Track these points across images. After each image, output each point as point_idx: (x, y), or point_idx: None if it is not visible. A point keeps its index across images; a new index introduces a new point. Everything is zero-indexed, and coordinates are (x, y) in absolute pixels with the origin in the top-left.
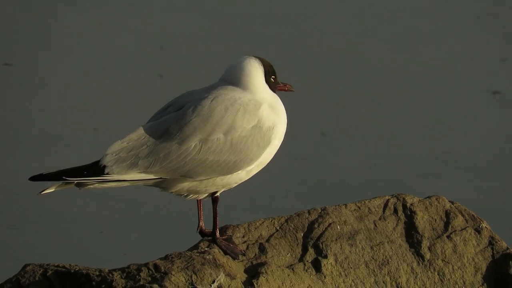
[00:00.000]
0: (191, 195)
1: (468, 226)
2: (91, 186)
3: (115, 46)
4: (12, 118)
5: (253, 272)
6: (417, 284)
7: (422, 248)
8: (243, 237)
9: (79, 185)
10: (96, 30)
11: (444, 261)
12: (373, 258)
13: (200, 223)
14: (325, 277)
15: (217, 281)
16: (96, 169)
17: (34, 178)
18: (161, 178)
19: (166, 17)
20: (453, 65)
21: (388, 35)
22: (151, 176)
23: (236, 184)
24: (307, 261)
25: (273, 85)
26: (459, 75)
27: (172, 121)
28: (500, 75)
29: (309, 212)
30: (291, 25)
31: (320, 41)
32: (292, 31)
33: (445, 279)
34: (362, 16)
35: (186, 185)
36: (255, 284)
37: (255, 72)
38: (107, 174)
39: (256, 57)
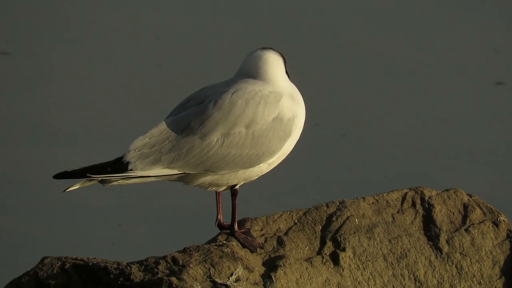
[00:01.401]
0: (211, 187)
1: (486, 219)
2: (115, 183)
3: (112, 36)
4: (12, 110)
5: (271, 265)
6: (435, 277)
7: (440, 241)
8: (261, 230)
9: (103, 181)
10: (92, 20)
11: (462, 254)
12: (391, 251)
13: (219, 216)
14: (343, 270)
15: (235, 274)
16: (120, 165)
17: (58, 176)
18: (184, 173)
19: (163, 7)
20: (465, 58)
21: (400, 30)
22: (174, 171)
23: (257, 177)
24: (325, 254)
25: (289, 76)
26: (473, 67)
27: (193, 115)
28: (502, 66)
29: (327, 205)
30: (294, 20)
31: (331, 36)
32: (297, 26)
33: (463, 272)
34: (369, 12)
35: (208, 178)
36: (273, 277)
37: (277, 63)
38: (131, 170)
39: (272, 48)
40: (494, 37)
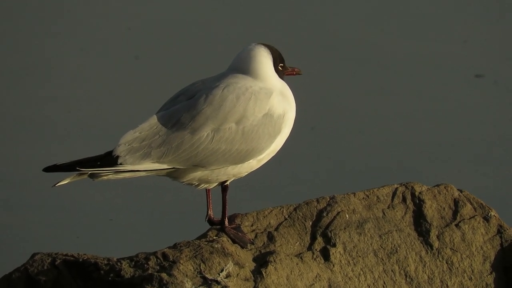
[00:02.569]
0: (202, 185)
1: (476, 215)
2: (105, 177)
3: (87, 28)
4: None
5: (262, 260)
6: (425, 272)
7: (431, 236)
8: (252, 225)
9: (92, 176)
10: (66, 11)
11: (453, 249)
12: (381, 247)
13: (209, 212)
14: (333, 265)
15: (226, 269)
16: (110, 159)
17: (48, 169)
18: (173, 168)
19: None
20: (459, 51)
21: (393, 21)
22: (164, 166)
23: (247, 173)
24: (316, 249)
25: (282, 72)
26: (465, 61)
27: (183, 110)
28: (474, 57)
29: (317, 201)
30: (281, 13)
31: (327, 27)
32: (281, 19)
33: (454, 267)
34: (353, 5)
35: (197, 174)
36: (263, 273)
37: (265, 60)
38: (120, 164)
39: (264, 44)
40: (463, 29)
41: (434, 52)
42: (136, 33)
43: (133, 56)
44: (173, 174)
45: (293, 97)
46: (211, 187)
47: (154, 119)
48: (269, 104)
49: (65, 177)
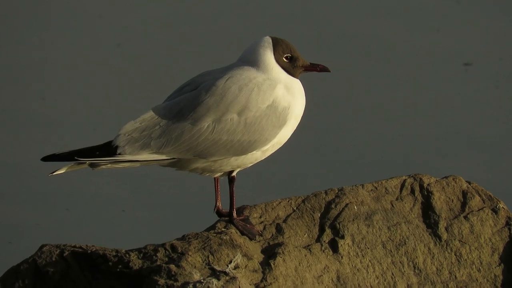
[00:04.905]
0: (206, 173)
1: (485, 207)
2: (104, 167)
3: (67, 19)
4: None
5: (270, 252)
6: (434, 264)
7: (439, 228)
8: (260, 217)
9: (92, 165)
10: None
11: (461, 241)
12: (390, 239)
13: (217, 204)
14: (342, 257)
15: (234, 261)
16: (109, 149)
17: (46, 159)
18: (174, 158)
19: None
20: (464, 45)
21: (397, 14)
22: (164, 157)
23: (251, 164)
24: (324, 241)
25: (290, 66)
26: (473, 54)
27: (186, 101)
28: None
29: (326, 193)
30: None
31: (332, 21)
32: (291, 12)
33: (462, 259)
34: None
35: (200, 165)
36: (272, 265)
37: (263, 52)
38: (119, 154)
39: (272, 36)
40: (435, 18)
41: (439, 45)
42: (129, 29)
43: (116, 44)
44: (175, 165)
45: (302, 92)
46: (216, 175)
47: (155, 110)
48: (273, 96)
49: (62, 166)
